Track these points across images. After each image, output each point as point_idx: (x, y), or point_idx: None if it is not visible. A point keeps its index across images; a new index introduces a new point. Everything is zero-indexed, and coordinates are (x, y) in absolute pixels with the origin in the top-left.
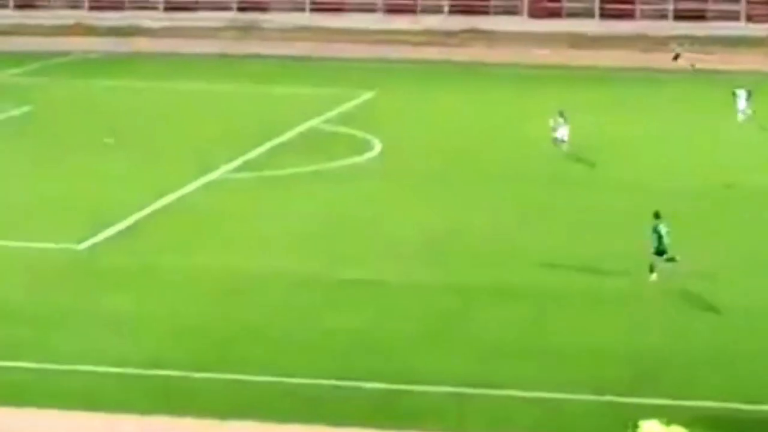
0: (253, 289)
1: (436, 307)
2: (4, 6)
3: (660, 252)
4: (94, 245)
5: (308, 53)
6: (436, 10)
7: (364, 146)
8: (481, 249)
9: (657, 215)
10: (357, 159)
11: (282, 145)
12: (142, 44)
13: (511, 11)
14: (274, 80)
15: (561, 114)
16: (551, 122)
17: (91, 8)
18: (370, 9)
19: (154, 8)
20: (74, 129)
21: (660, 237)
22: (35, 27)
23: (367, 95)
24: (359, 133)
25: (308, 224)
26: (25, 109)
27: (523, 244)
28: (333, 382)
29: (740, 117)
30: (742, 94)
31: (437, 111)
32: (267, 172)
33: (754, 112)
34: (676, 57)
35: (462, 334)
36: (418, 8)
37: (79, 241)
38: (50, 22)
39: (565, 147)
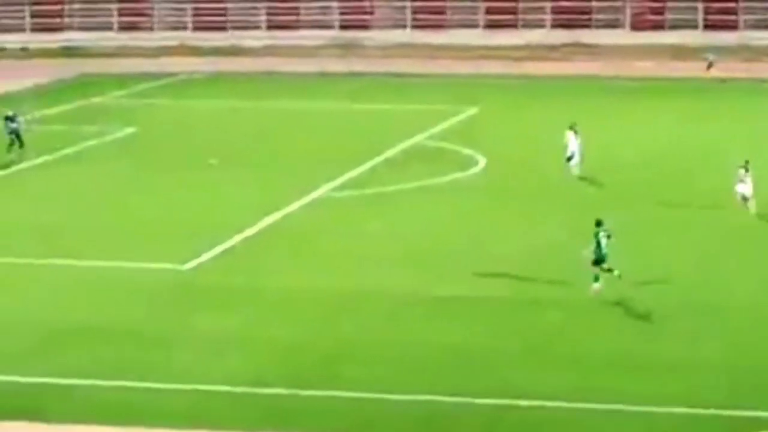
0: (357, 307)
1: (539, 322)
2: (108, 28)
3: (598, 261)
4: (199, 265)
5: (410, 70)
6: (538, 24)
7: (468, 162)
8: (584, 266)
9: (598, 223)
10: (460, 175)
11: (385, 162)
12: (245, 64)
13: (614, 24)
14: (376, 98)
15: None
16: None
17: (195, 29)
18: (471, 25)
19: (257, 28)
20: (178, 150)
21: (599, 245)
22: (139, 49)
23: (470, 111)
24: (462, 149)
25: (412, 241)
26: (130, 130)
27: (627, 260)
28: (439, 398)
29: None
30: None
31: (540, 125)
32: (369, 190)
33: None
34: (709, 66)
35: (565, 349)
36: (520, 23)
37: (184, 262)
38: (154, 44)
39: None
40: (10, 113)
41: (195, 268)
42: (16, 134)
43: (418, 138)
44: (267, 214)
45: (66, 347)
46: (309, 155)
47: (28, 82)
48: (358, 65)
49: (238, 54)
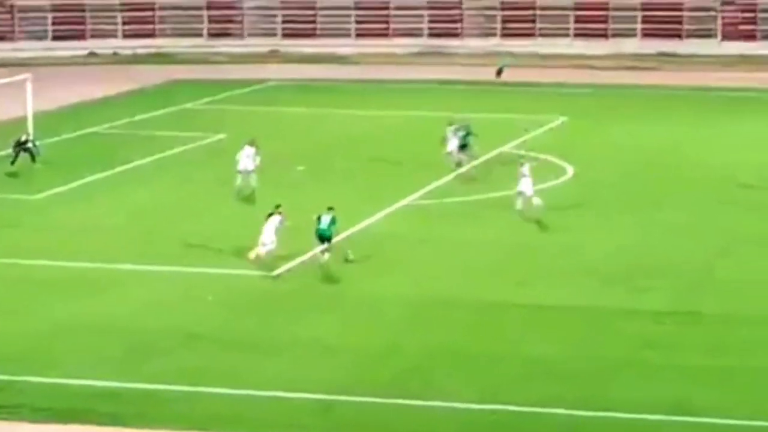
0: (445, 315)
1: (631, 332)
2: (198, 35)
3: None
4: (288, 271)
5: (499, 78)
6: (629, 34)
7: (557, 171)
8: (676, 275)
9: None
10: (549, 184)
11: (473, 170)
12: (334, 71)
13: (705, 34)
14: (464, 106)
15: None
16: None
17: (285, 36)
18: (562, 34)
19: (347, 35)
20: (266, 156)
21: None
22: (229, 55)
23: (560, 120)
24: (552, 158)
25: (501, 249)
26: (219, 136)
27: (722, 271)
28: (529, 408)
29: None
30: None
31: (630, 135)
32: (456, 198)
33: None
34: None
35: (658, 360)
36: (610, 32)
37: (272, 268)
38: (244, 50)
39: None
40: (23, 138)
41: (283, 275)
42: (31, 154)
43: (506, 147)
44: (355, 222)
45: (155, 353)
46: (396, 163)
47: (119, 88)
48: (446, 73)
49: (328, 61)
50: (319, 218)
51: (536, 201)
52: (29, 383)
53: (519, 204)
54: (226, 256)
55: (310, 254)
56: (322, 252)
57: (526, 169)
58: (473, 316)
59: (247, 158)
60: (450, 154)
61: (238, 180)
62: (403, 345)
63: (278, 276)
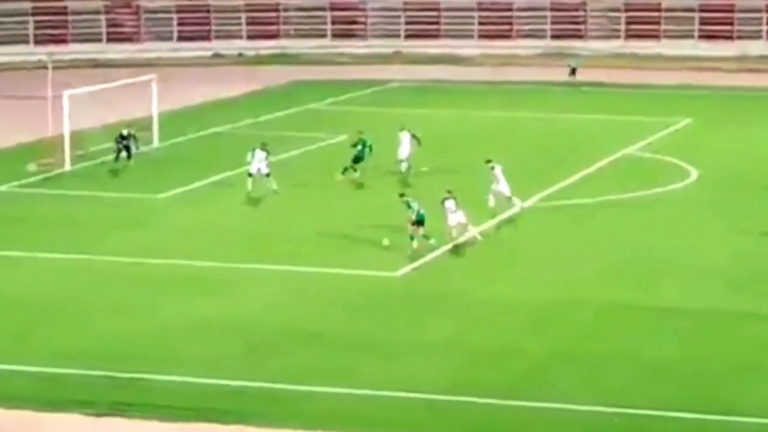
0: (563, 317)
1: (749, 336)
2: (322, 35)
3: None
4: (410, 272)
5: (623, 80)
6: (754, 35)
7: (681, 174)
8: None
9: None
10: (673, 187)
11: (595, 173)
12: (457, 72)
13: None
14: (588, 108)
15: None
16: None
17: (408, 37)
18: (686, 35)
19: (470, 37)
20: (390, 157)
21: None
22: (352, 56)
23: (684, 122)
24: (676, 161)
25: (620, 252)
26: (342, 137)
27: None
28: (648, 412)
29: None
30: None
31: (756, 138)
32: (577, 200)
33: None
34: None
35: None
36: (735, 34)
37: (396, 269)
38: (367, 51)
39: None
40: (125, 132)
41: (406, 276)
42: (127, 149)
43: (631, 149)
44: (474, 222)
45: (276, 352)
46: (518, 164)
47: (242, 89)
48: (558, 75)
49: (451, 62)
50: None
51: (516, 202)
52: (152, 381)
53: (491, 202)
54: (349, 256)
55: (434, 254)
56: (426, 237)
57: (498, 171)
58: (591, 319)
59: (259, 162)
60: (401, 161)
61: (249, 183)
62: (522, 347)
63: (402, 276)
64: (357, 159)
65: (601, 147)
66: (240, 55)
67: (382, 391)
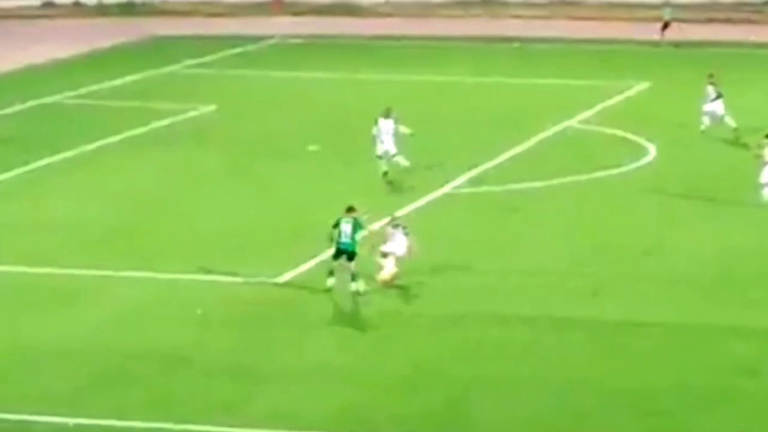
0: (489, 335)
1: (726, 356)
2: None
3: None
4: (294, 278)
5: (563, 35)
6: None
7: (635, 152)
8: None
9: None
10: (625, 168)
11: (531, 150)
12: (354, 26)
13: None
14: (515, 70)
15: None
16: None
17: None
18: None
19: None
20: (270, 133)
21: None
22: (222, 5)
23: (639, 87)
24: (628, 135)
25: (555, 252)
26: (209, 108)
27: None
28: None
29: None
30: None
31: (730, 107)
32: (512, 186)
33: None
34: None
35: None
36: None
37: (277, 274)
38: (241, 0)
39: None
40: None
41: (289, 282)
42: None
43: (572, 121)
44: (382, 214)
45: (126, 381)
46: (433, 141)
47: (82, 47)
48: (484, 28)
49: (346, 13)
50: (337, 224)
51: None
52: None
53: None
54: (222, 259)
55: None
56: (352, 277)
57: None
58: (524, 337)
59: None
60: (381, 157)
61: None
62: (438, 371)
63: (285, 283)
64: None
65: (532, 119)
66: (77, 4)
67: (255, 430)
